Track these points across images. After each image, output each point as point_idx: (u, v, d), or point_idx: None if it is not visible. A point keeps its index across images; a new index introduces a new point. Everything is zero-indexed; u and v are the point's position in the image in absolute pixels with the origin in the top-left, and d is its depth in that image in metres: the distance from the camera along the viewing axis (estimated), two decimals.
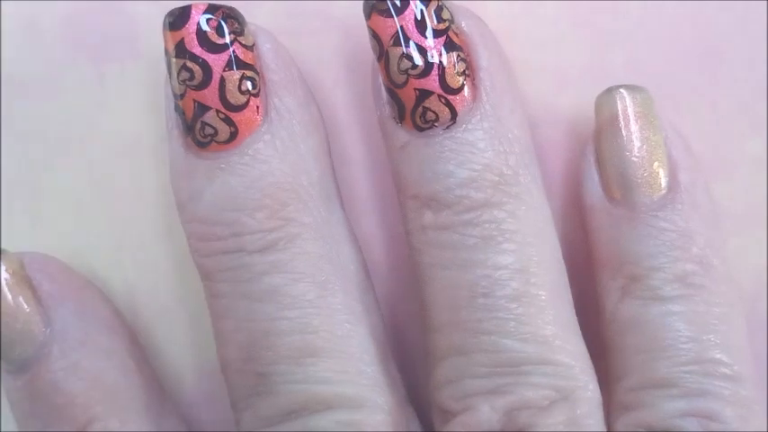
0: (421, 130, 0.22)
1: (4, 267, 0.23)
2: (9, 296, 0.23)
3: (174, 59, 0.22)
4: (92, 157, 0.25)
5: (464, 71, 0.22)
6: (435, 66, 0.22)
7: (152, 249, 0.25)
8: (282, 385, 0.22)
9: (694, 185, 0.23)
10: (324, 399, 0.22)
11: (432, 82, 0.22)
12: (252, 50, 0.22)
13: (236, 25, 0.22)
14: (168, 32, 0.22)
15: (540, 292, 0.22)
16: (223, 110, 0.22)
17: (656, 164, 0.23)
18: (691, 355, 0.22)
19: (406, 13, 0.22)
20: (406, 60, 0.22)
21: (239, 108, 0.22)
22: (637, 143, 0.23)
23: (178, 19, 0.22)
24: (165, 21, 0.22)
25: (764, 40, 0.24)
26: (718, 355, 0.22)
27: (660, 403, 0.22)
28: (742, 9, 0.24)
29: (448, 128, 0.22)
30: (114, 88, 0.25)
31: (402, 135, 0.22)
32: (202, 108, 0.22)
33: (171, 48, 0.22)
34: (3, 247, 0.23)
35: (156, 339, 0.25)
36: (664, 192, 0.23)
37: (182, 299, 0.25)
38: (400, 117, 0.22)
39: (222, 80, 0.22)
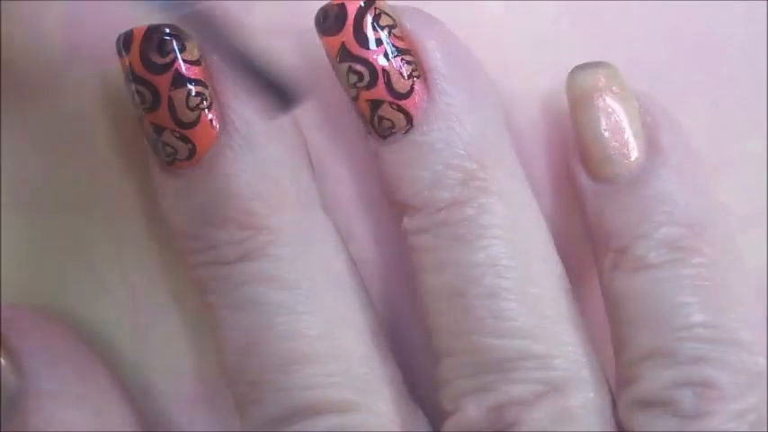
0: (384, 137, 0.22)
1: None
2: None
3: (128, 84, 0.22)
4: (92, 157, 0.25)
5: (412, 73, 0.22)
6: (379, 74, 0.22)
7: (152, 249, 0.25)
8: (271, 393, 0.22)
9: (674, 148, 0.22)
10: (312, 405, 0.22)
11: (380, 90, 0.22)
12: (198, 65, 0.22)
13: (178, 42, 0.22)
14: (120, 58, 0.22)
15: (515, 286, 0.22)
16: (177, 129, 0.22)
17: (626, 134, 0.22)
18: (679, 321, 0.21)
19: (345, 27, 0.22)
20: (352, 75, 0.22)
21: (192, 125, 0.22)
22: (604, 117, 0.23)
23: (124, 44, 0.22)
24: (116, 46, 0.22)
25: (765, 40, 0.24)
26: (711, 318, 0.21)
27: (653, 374, 0.21)
28: (742, 9, 0.24)
29: (407, 132, 0.22)
30: (114, 88, 0.25)
31: (372, 145, 0.23)
32: (159, 129, 0.22)
33: (125, 72, 0.22)
34: (3, 248, 0.23)
35: (156, 339, 0.25)
36: (641, 160, 0.22)
37: (182, 299, 0.25)
38: (366, 128, 0.23)
39: (170, 99, 0.22)
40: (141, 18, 0.24)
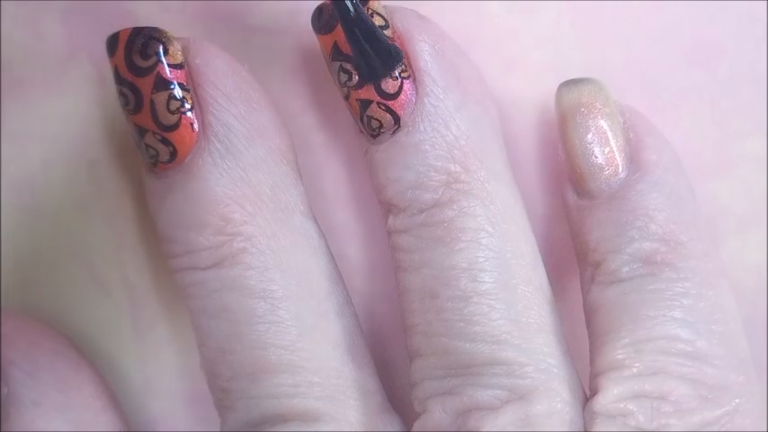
0: (374, 137, 0.22)
1: None
2: None
3: (116, 86, 0.22)
4: (92, 157, 0.25)
5: (401, 74, 0.22)
6: None
7: (152, 250, 0.25)
8: (241, 401, 0.22)
9: (655, 165, 0.22)
10: (279, 414, 0.22)
11: (368, 90, 0.22)
12: (180, 68, 0.22)
13: (161, 46, 0.22)
14: (109, 59, 0.22)
15: (489, 290, 0.21)
16: (158, 131, 0.22)
17: (608, 150, 0.23)
18: (640, 334, 0.21)
19: (338, 26, 0.22)
20: (342, 73, 0.22)
21: (172, 128, 0.22)
22: (587, 133, 0.23)
23: (111, 46, 0.22)
24: (105, 47, 0.22)
25: (764, 40, 0.24)
26: (674, 331, 0.21)
27: (610, 386, 0.21)
28: (742, 9, 0.24)
29: (394, 132, 0.22)
30: (114, 88, 0.25)
31: (364, 143, 0.23)
32: (142, 131, 0.22)
33: (113, 74, 0.22)
34: (3, 248, 0.23)
35: (156, 339, 0.25)
36: (622, 176, 0.22)
37: (181, 298, 0.25)
38: (358, 127, 0.23)
39: (152, 102, 0.22)
40: (140, 19, 0.24)
